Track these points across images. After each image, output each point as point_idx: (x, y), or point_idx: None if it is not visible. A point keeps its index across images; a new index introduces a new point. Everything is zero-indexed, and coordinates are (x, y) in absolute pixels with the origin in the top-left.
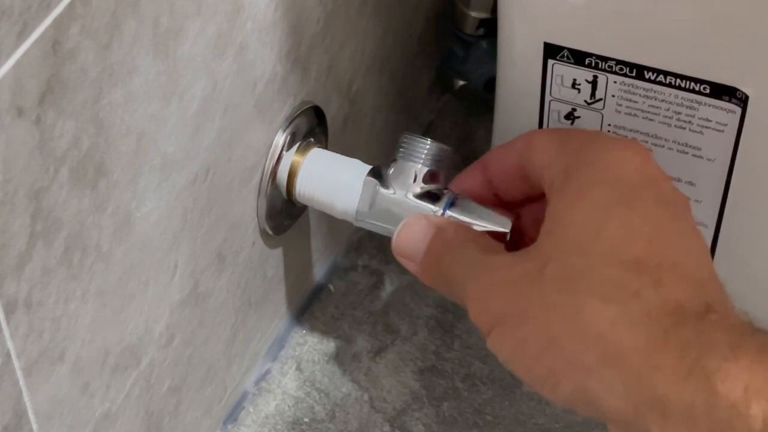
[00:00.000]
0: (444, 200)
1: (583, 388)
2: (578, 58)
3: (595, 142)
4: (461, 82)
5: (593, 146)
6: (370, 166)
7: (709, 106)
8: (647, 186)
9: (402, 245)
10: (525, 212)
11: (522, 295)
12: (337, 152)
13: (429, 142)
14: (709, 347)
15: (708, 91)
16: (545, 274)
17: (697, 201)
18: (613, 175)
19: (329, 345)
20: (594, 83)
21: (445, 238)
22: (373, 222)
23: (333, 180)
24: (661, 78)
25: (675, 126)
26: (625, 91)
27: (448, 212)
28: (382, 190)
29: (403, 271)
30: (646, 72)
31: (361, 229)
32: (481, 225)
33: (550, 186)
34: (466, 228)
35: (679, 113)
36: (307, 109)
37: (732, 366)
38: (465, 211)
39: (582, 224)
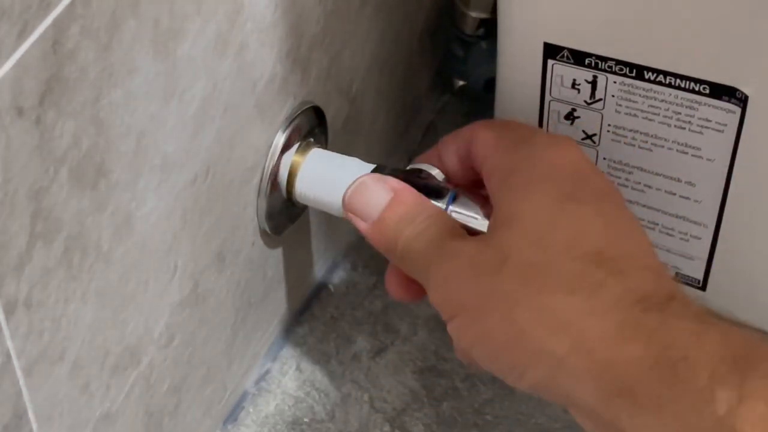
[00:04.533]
0: (447, 196)
1: (550, 378)
2: (578, 58)
3: (531, 141)
4: (461, 82)
5: (530, 145)
6: (371, 165)
7: (709, 106)
8: (585, 181)
9: (355, 202)
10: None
11: (485, 286)
12: (337, 152)
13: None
14: (674, 336)
15: (708, 91)
16: (507, 267)
17: (697, 201)
18: (554, 173)
19: (329, 345)
20: (594, 83)
21: (405, 206)
22: None
23: (333, 180)
24: (661, 78)
25: (675, 126)
26: (625, 91)
27: (451, 207)
28: None
29: None
30: (646, 72)
31: None
32: (482, 220)
33: (489, 178)
34: (425, 200)
35: (679, 113)
36: (307, 109)
37: (697, 354)
38: (465, 206)
39: (536, 217)
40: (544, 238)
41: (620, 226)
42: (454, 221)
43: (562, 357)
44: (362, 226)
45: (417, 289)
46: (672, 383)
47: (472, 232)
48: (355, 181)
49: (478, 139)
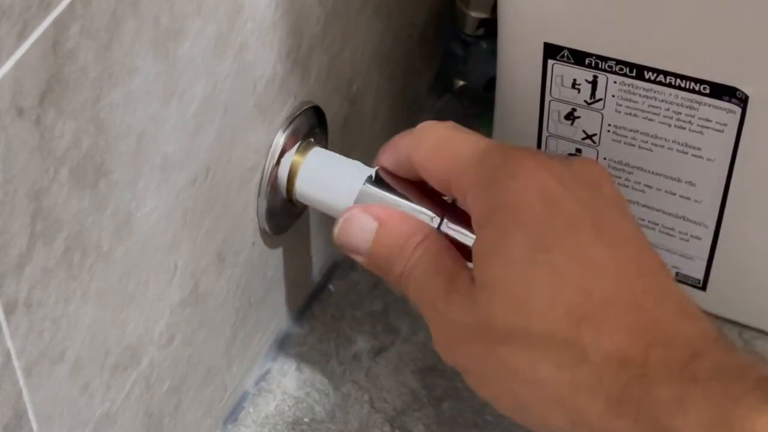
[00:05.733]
0: (443, 208)
1: None
2: (578, 58)
3: (502, 177)
4: (461, 82)
5: (502, 182)
6: (371, 169)
7: (709, 106)
8: (555, 213)
9: (344, 239)
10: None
11: (481, 353)
12: (337, 152)
13: None
14: (659, 407)
15: (708, 91)
16: (495, 334)
17: (697, 201)
18: (523, 217)
19: (329, 345)
20: (594, 83)
21: (391, 236)
22: None
23: (333, 180)
24: (661, 78)
25: (675, 126)
26: (625, 91)
27: (446, 222)
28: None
29: None
30: (646, 72)
31: None
32: (471, 236)
33: (470, 212)
34: (411, 224)
35: (679, 113)
36: (307, 109)
37: (683, 422)
38: (461, 221)
39: (511, 279)
40: (522, 302)
41: (596, 264)
42: (444, 244)
43: (565, 429)
44: (359, 259)
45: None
46: None
47: (461, 246)
48: (341, 216)
49: (458, 171)
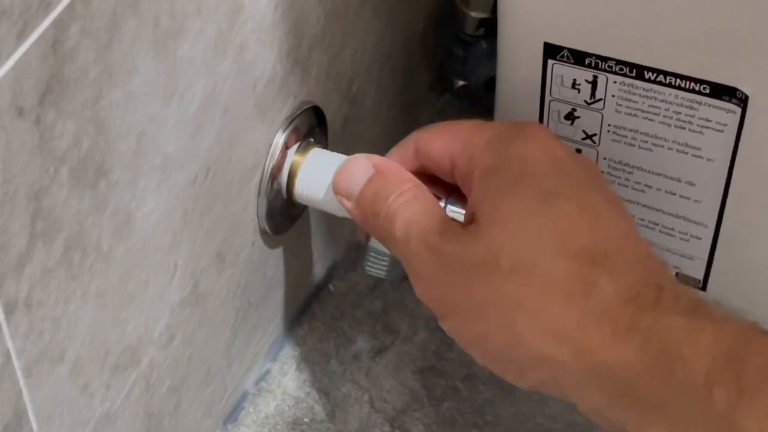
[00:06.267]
0: (447, 193)
1: (553, 380)
2: (578, 58)
3: (505, 139)
4: (461, 82)
5: (505, 143)
6: None
7: (709, 106)
8: (564, 173)
9: (338, 182)
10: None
11: (479, 288)
12: (337, 152)
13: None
14: (668, 335)
15: (708, 91)
16: (500, 267)
17: (697, 201)
18: (534, 169)
19: (329, 345)
20: (594, 83)
21: (384, 180)
22: None
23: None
24: (661, 78)
25: (675, 126)
26: (625, 91)
27: (450, 201)
28: None
29: (402, 271)
30: (646, 72)
31: None
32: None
33: (467, 178)
34: (407, 173)
35: (679, 113)
36: (307, 109)
37: (691, 352)
38: (463, 205)
39: (522, 216)
40: (533, 237)
41: (604, 217)
42: (434, 199)
43: (563, 362)
44: (347, 205)
45: None
46: (671, 383)
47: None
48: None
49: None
